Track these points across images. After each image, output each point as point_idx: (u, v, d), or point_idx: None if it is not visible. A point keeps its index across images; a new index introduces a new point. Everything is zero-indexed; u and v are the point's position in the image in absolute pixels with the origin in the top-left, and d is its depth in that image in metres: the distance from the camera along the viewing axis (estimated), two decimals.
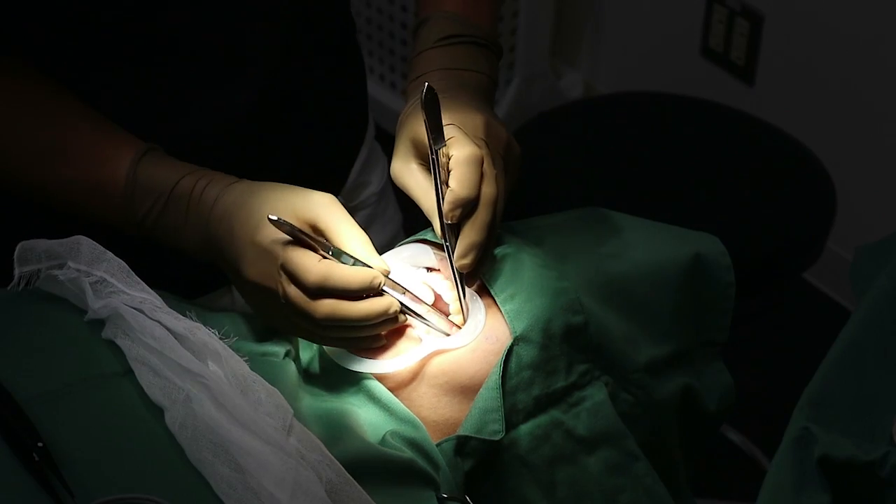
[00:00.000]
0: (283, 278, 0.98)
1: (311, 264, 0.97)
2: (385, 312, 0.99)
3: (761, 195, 1.84)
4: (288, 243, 0.98)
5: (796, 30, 2.39)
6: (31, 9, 1.07)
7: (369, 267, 0.99)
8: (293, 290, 0.98)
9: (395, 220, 1.47)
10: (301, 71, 1.23)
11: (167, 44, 1.12)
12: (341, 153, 1.35)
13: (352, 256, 0.99)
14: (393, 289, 1.00)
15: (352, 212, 1.37)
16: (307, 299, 0.97)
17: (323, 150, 1.31)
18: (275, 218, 0.96)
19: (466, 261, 1.02)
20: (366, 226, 1.38)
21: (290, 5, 1.18)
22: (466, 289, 1.05)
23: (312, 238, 0.98)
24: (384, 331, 1.01)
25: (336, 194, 1.34)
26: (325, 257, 0.98)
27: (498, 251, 1.07)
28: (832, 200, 1.84)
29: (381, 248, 1.09)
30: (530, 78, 2.79)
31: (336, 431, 0.98)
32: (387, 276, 1.00)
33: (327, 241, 0.99)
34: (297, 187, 1.02)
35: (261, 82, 1.18)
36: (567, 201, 1.78)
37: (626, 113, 2.02)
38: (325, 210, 1.00)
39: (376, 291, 0.99)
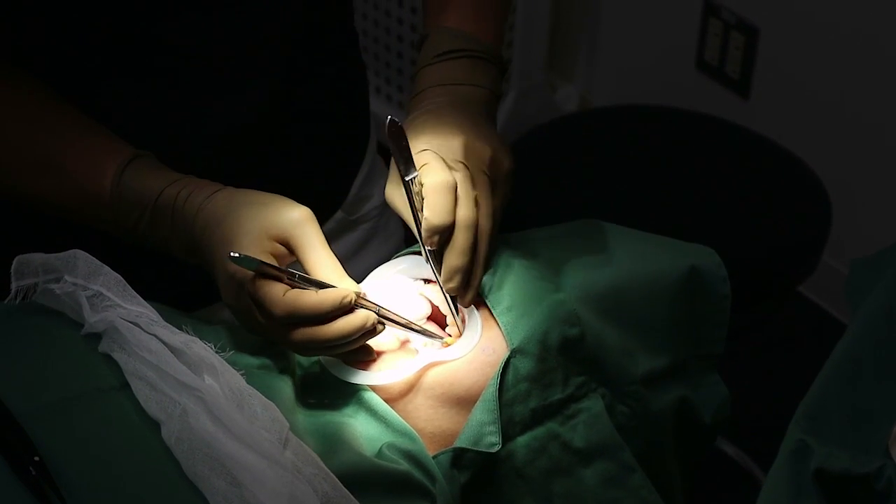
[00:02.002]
0: (254, 308, 0.99)
1: (277, 298, 0.97)
2: (362, 327, 0.98)
3: (756, 208, 1.84)
4: (255, 276, 0.98)
5: (791, 43, 2.39)
6: (35, 17, 1.08)
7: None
8: (265, 321, 0.99)
9: (397, 234, 1.47)
10: (304, 83, 1.23)
11: (172, 55, 1.12)
12: (343, 166, 1.36)
13: (318, 282, 0.99)
14: (367, 306, 1.00)
15: (353, 225, 1.39)
16: (280, 329, 0.98)
17: (325, 162, 1.31)
18: (236, 255, 0.97)
19: (452, 284, 1.03)
20: (367, 239, 1.39)
21: (293, 18, 1.18)
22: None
23: (276, 269, 0.98)
24: (364, 342, 1.01)
25: (338, 207, 1.35)
26: (292, 285, 0.98)
27: (494, 263, 1.07)
28: (827, 213, 1.84)
29: (383, 262, 1.10)
30: (526, 91, 2.79)
31: (332, 444, 0.98)
32: (359, 296, 1.00)
33: (297, 259, 1.00)
34: (275, 199, 1.02)
35: (264, 94, 1.19)
36: (562, 214, 1.77)
37: (621, 126, 2.02)
38: (298, 229, 1.00)
39: (349, 308, 0.99)
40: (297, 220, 1.00)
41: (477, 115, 1.11)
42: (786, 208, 1.84)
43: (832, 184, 1.93)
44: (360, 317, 0.98)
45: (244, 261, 0.97)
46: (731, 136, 1.97)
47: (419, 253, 1.09)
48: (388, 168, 1.41)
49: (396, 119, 1.02)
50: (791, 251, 1.79)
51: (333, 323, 0.98)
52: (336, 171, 1.35)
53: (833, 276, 2.40)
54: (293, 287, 0.98)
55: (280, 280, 0.98)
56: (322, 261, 0.99)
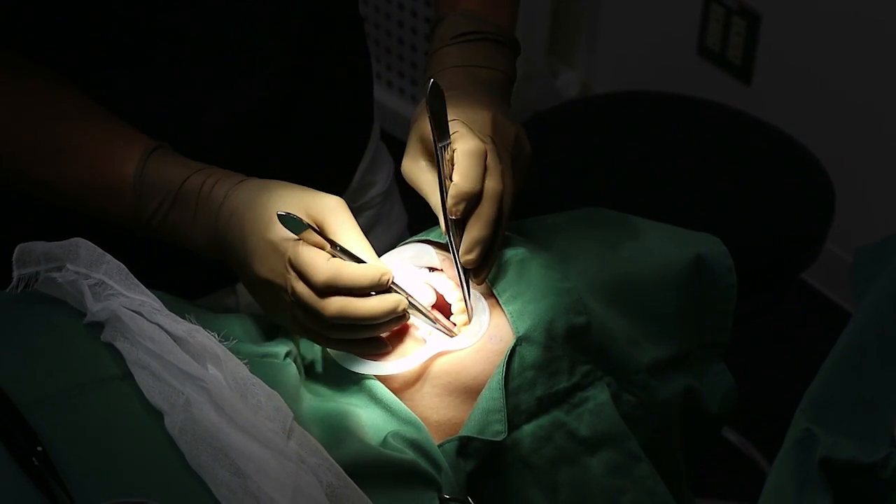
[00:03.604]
0: (292, 275, 0.98)
1: (320, 262, 0.97)
2: (394, 310, 0.98)
3: (759, 195, 1.83)
4: (297, 241, 0.98)
5: (793, 29, 2.38)
6: (43, 9, 1.07)
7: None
8: (302, 288, 0.98)
9: (400, 221, 1.47)
10: (308, 71, 1.23)
11: (177, 43, 1.12)
12: (347, 153, 1.36)
13: (357, 257, 0.99)
14: (399, 291, 1.00)
15: (357, 212, 1.38)
16: (316, 297, 0.97)
17: (329, 149, 1.31)
18: (283, 214, 0.97)
19: (471, 256, 1.02)
20: (371, 226, 1.39)
21: (298, 5, 1.18)
22: (471, 289, 1.04)
23: (321, 235, 0.98)
24: (391, 329, 1.01)
25: (341, 194, 1.34)
26: (333, 255, 0.98)
27: (500, 251, 1.07)
28: (830, 200, 1.83)
29: (386, 249, 1.10)
30: (527, 77, 2.78)
31: (337, 433, 0.98)
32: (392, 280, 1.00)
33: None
34: (305, 187, 1.02)
35: (269, 82, 1.19)
36: (564, 201, 1.77)
37: (622, 112, 2.02)
38: (332, 212, 1.00)
39: (385, 289, 0.99)
40: (333, 205, 1.00)
41: (498, 97, 1.11)
42: (788, 195, 1.84)
43: (835, 170, 1.92)
44: (394, 298, 0.99)
45: (292, 222, 0.97)
46: (733, 122, 1.97)
47: (424, 241, 1.09)
48: (392, 156, 1.42)
49: (442, 83, 1.01)
50: (794, 238, 1.79)
51: (369, 299, 0.98)
52: (340, 158, 1.34)
53: (837, 264, 2.39)
54: (334, 257, 0.98)
55: (322, 248, 0.98)
56: (358, 243, 0.99)
